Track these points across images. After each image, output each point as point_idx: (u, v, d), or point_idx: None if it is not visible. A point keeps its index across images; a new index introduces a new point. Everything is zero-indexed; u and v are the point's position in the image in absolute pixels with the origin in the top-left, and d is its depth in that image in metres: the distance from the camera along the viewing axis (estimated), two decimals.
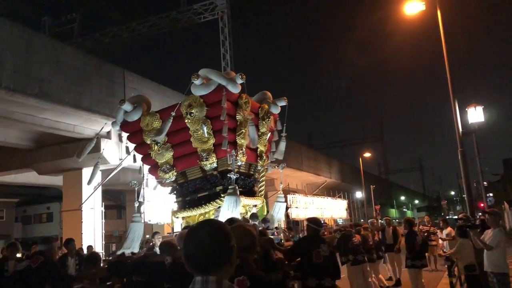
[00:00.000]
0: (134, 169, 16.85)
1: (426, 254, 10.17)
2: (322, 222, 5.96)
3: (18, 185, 26.52)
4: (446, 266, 8.91)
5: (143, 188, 10.53)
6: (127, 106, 6.58)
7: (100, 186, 16.53)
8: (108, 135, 15.57)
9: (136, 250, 7.07)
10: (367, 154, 43.76)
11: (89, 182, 7.03)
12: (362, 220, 39.24)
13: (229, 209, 5.48)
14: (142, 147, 6.79)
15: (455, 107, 11.91)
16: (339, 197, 34.67)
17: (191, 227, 1.75)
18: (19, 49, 11.64)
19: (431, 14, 12.88)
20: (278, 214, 7.56)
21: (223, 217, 5.31)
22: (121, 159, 15.35)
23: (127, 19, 26.94)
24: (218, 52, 23.26)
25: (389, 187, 71.62)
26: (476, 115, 14.43)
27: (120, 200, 35.86)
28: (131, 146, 7.21)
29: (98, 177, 16.65)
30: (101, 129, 7.35)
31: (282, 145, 7.82)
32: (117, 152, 15.72)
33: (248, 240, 2.81)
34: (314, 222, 5.44)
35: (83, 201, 15.63)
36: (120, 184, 22.58)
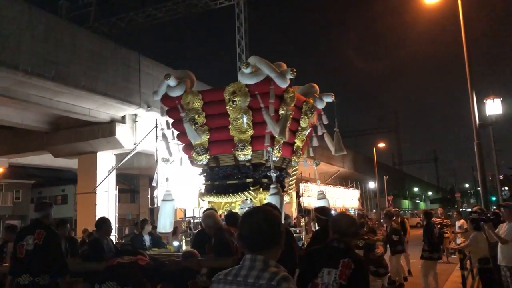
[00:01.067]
0: (148, 154, 16.99)
1: (441, 246, 10.12)
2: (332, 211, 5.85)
3: (34, 167, 26.91)
4: (458, 258, 8.85)
5: (157, 173, 10.61)
6: (171, 81, 6.48)
7: (114, 170, 16.72)
8: (122, 120, 15.69)
9: (168, 230, 7.12)
10: (381, 145, 43.42)
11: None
12: (374, 211, 39.12)
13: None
14: (179, 124, 6.68)
15: (472, 99, 11.71)
16: (352, 187, 34.52)
17: (246, 211, 1.94)
18: (37, 32, 11.73)
19: (451, 3, 12.65)
20: None
21: None
22: (136, 144, 15.50)
23: (144, 4, 26.74)
24: (233, 38, 23.15)
25: (402, 178, 71.08)
26: (494, 107, 14.12)
27: (133, 185, 36.21)
28: (163, 122, 7.10)
29: (113, 161, 16.87)
30: (170, 142, 7.18)
31: (337, 140, 7.65)
32: (131, 136, 15.83)
33: (353, 227, 2.95)
34: (323, 213, 5.19)
35: (97, 184, 15.84)
36: (134, 168, 22.77)
